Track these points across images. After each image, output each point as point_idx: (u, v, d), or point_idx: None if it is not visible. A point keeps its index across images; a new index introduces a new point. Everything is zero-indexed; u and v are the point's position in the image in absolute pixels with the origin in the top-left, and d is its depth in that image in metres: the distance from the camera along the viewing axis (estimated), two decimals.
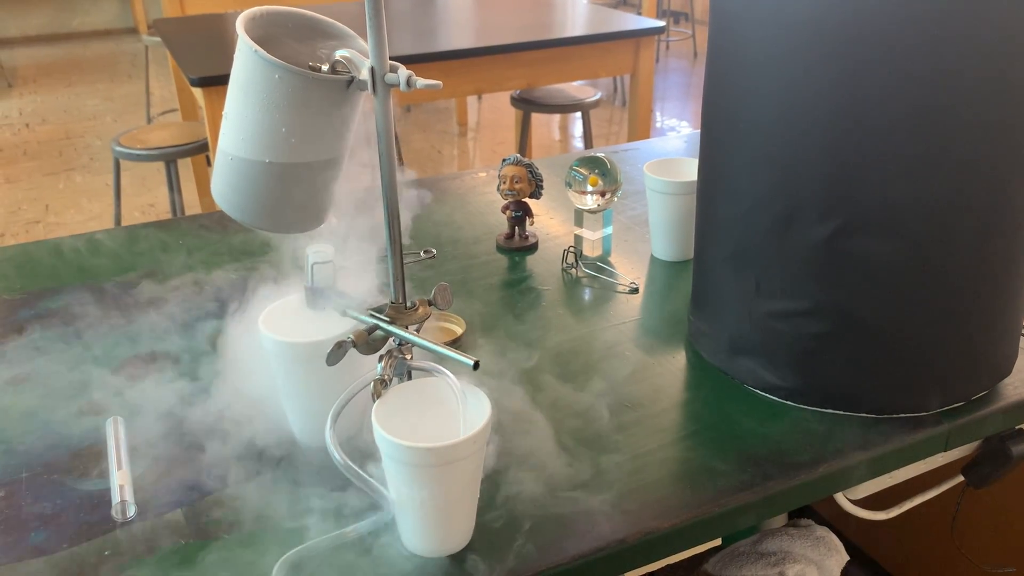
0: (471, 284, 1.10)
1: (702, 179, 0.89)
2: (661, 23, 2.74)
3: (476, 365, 0.64)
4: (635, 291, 1.07)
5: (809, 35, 0.73)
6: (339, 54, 0.64)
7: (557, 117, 4.98)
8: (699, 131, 1.03)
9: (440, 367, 0.69)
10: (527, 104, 3.05)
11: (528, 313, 1.03)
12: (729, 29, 0.80)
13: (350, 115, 0.67)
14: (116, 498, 0.73)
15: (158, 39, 4.09)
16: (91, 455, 0.80)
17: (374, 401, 0.67)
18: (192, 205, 3.53)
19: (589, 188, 1.16)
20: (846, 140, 0.74)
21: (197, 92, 2.40)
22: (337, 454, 0.67)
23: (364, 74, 0.63)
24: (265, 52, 0.62)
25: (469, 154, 4.42)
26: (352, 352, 0.70)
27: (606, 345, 0.96)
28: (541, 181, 1.17)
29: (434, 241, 1.21)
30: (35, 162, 4.31)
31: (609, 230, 1.22)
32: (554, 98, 3.06)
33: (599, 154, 1.20)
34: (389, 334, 0.70)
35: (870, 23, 0.70)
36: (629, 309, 1.04)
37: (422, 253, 0.78)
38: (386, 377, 0.68)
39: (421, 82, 0.62)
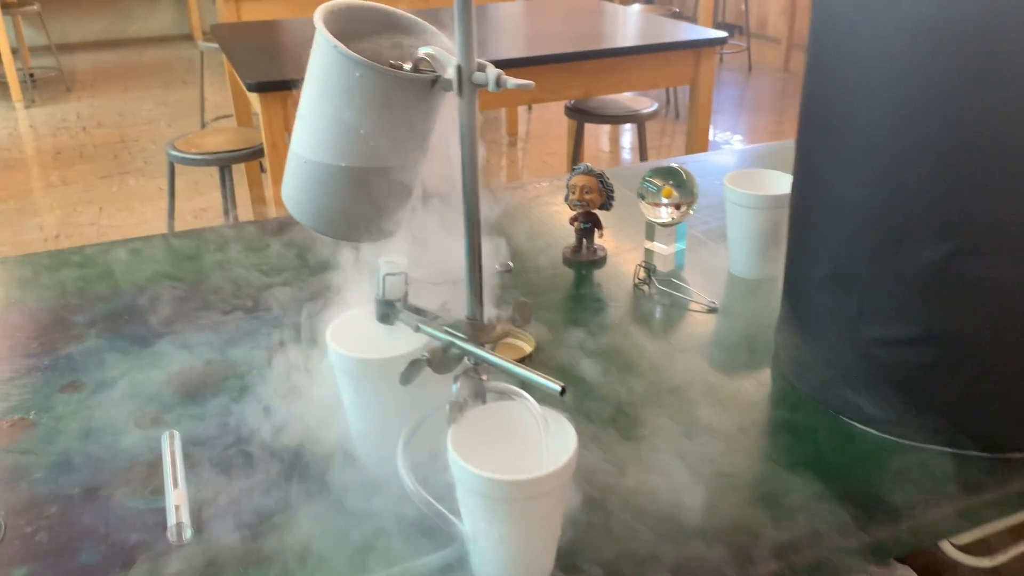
0: (537, 298, 1.04)
1: (798, 193, 0.82)
2: (723, 33, 2.67)
3: (563, 391, 0.58)
4: (714, 311, 1.01)
5: (928, 35, 0.66)
6: (423, 51, 0.60)
7: (607, 128, 4.92)
8: (753, 146, 0.97)
9: (520, 390, 0.63)
10: (582, 114, 3.00)
11: (599, 331, 0.97)
12: (834, 28, 0.74)
13: (431, 117, 0.63)
14: (172, 520, 0.69)
15: (213, 45, 4.12)
16: (146, 470, 0.76)
17: (449, 425, 0.62)
18: (244, 210, 3.53)
19: (663, 200, 1.10)
20: (966, 152, 0.67)
21: (253, 98, 2.38)
22: (409, 481, 0.62)
23: (449, 73, 0.59)
24: (345, 48, 0.57)
25: (518, 164, 4.38)
26: (423, 371, 0.65)
27: (684, 367, 0.90)
28: (612, 192, 1.11)
29: (496, 253, 1.16)
30: (90, 165, 4.37)
31: (682, 245, 1.16)
32: (609, 108, 3.01)
33: (673, 164, 1.15)
34: (465, 353, 0.65)
35: (1000, 21, 0.64)
36: (707, 330, 0.98)
37: (497, 266, 0.73)
38: (462, 400, 0.63)
39: (512, 82, 0.57)
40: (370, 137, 0.60)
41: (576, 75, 2.57)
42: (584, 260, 1.14)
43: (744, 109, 5.34)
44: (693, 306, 1.02)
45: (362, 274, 0.71)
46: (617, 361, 0.91)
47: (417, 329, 0.67)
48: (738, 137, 4.83)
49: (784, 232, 1.06)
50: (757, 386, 0.87)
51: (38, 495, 0.74)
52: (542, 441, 0.61)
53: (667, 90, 4.97)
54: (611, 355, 0.92)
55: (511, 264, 0.72)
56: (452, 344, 0.65)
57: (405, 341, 0.69)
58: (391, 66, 0.59)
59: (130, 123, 5.05)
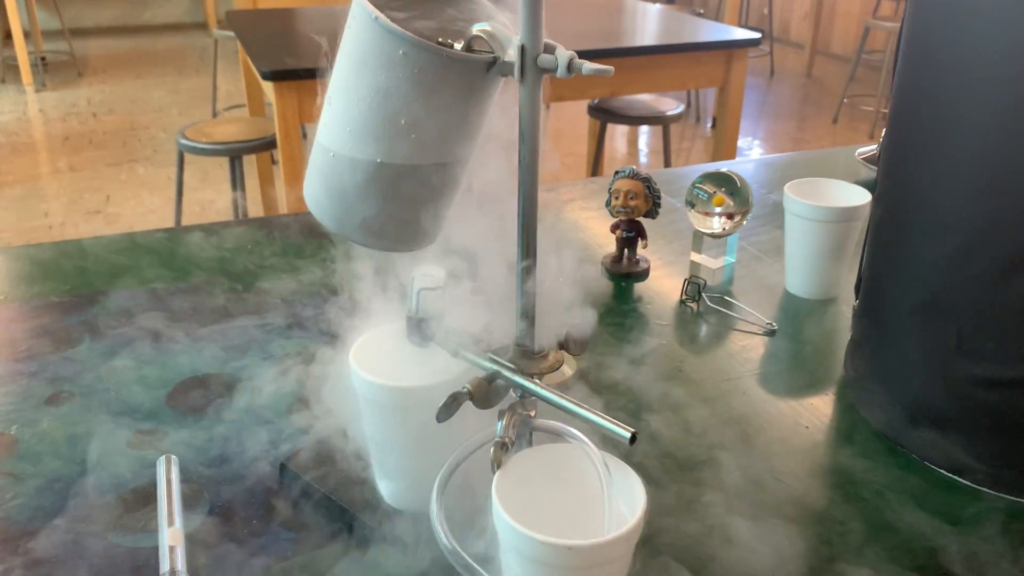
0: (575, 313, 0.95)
1: (886, 208, 0.73)
2: (756, 34, 2.57)
3: (633, 438, 0.49)
4: (771, 333, 0.92)
5: None
6: (479, 27, 0.50)
7: (625, 130, 4.82)
8: (775, 155, 0.87)
9: (575, 431, 0.54)
10: (605, 114, 2.90)
11: (645, 354, 0.87)
12: (939, 20, 0.64)
13: (484, 107, 0.53)
14: (165, 565, 0.59)
15: (228, 33, 4.03)
16: (139, 500, 0.67)
17: (493, 470, 0.53)
18: (255, 203, 3.44)
19: (715, 209, 1.01)
20: None
21: (267, 87, 2.29)
22: (444, 536, 0.53)
23: (511, 54, 0.49)
24: (388, 20, 0.48)
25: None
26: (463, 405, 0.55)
27: (739, 398, 0.80)
28: (659, 198, 1.02)
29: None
30: (100, 152, 4.29)
31: (731, 258, 1.07)
32: (634, 109, 2.91)
33: (724, 169, 1.05)
34: (512, 385, 0.55)
35: None
36: (763, 355, 0.88)
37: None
38: (507, 440, 0.54)
39: (588, 67, 0.47)
40: (412, 129, 0.50)
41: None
42: (624, 272, 1.04)
43: (765, 115, 5.24)
44: (746, 327, 0.93)
45: (393, 287, 0.62)
46: (663, 389, 0.82)
47: (456, 354, 0.58)
48: (757, 142, 4.73)
49: (850, 249, 0.96)
50: (822, 421, 0.78)
51: (14, 525, 0.65)
52: (605, 495, 0.51)
53: (688, 92, 4.87)
54: (656, 381, 0.83)
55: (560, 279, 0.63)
56: (497, 374, 0.55)
57: (441, 367, 0.59)
58: (440, 44, 0.50)
59: (141, 110, 4.97)
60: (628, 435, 0.49)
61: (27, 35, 5.56)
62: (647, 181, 1.01)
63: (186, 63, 6.10)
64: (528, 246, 0.54)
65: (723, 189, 1.02)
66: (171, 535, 0.62)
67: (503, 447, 0.53)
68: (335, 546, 0.62)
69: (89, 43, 6.56)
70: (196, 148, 2.52)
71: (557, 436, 0.55)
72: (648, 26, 2.75)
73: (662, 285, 1.02)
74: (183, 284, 0.99)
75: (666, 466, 0.71)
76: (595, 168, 3.17)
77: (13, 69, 5.47)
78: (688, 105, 5.25)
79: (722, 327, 0.93)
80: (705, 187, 1.02)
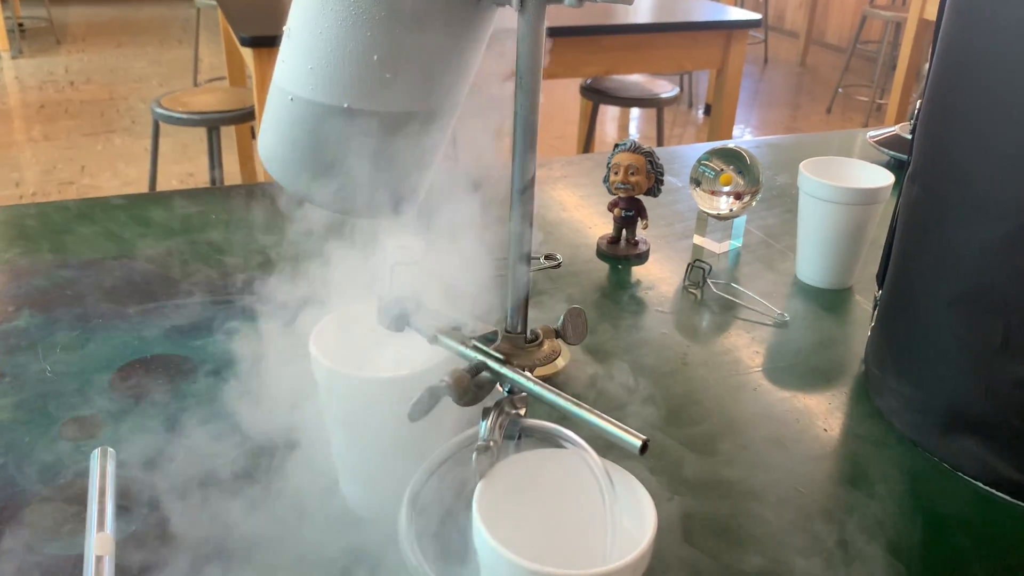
0: (568, 299, 0.87)
1: (924, 186, 0.65)
2: (757, 15, 2.48)
3: (644, 447, 0.41)
4: (782, 324, 0.84)
5: None
6: None
7: (616, 113, 4.73)
8: (780, 136, 0.79)
9: (572, 435, 0.46)
10: (598, 95, 2.81)
11: (645, 344, 0.79)
12: None
13: (473, 46, 0.45)
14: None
15: (211, 2, 3.91)
16: (68, 498, 0.59)
17: (475, 480, 0.44)
18: (233, 178, 3.33)
19: (723, 188, 0.93)
20: None
21: (247, 54, 2.19)
22: (412, 556, 0.45)
23: None
24: None
25: None
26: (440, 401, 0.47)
27: (747, 396, 0.73)
28: (662, 175, 0.94)
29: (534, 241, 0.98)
30: (76, 121, 4.16)
31: (738, 242, 0.99)
32: (628, 90, 2.82)
33: (730, 145, 0.97)
34: (500, 379, 0.47)
35: None
36: (774, 349, 0.80)
37: (543, 259, 0.55)
38: (492, 443, 0.46)
39: None
40: (386, 68, 0.42)
41: (596, 51, 2.38)
42: (622, 254, 0.96)
43: (758, 103, 5.16)
44: (754, 317, 0.85)
45: (362, 261, 0.53)
46: (662, 384, 0.74)
47: (434, 340, 0.49)
48: (749, 131, 4.66)
49: (869, 234, 0.88)
50: (843, 425, 0.70)
51: None
52: (607, 511, 0.43)
53: (681, 77, 4.78)
54: (654, 374, 0.75)
55: (559, 257, 0.54)
56: (483, 365, 0.47)
57: (415, 355, 0.51)
58: None
59: (120, 80, 4.83)
60: (638, 443, 0.41)
61: (4, 0, 5.39)
62: (649, 155, 0.92)
63: (168, 33, 5.95)
64: (522, 214, 0.46)
65: (731, 167, 0.93)
66: (99, 542, 0.53)
67: (487, 452, 0.45)
68: (293, 555, 0.54)
69: (69, 10, 6.39)
70: (171, 117, 2.42)
71: (550, 440, 0.47)
72: (643, 3, 2.66)
73: (662, 270, 0.94)
74: (142, 254, 0.90)
75: (670, 473, 0.63)
76: (586, 151, 3.08)
77: None
78: (680, 90, 5.16)
79: (728, 317, 0.85)
80: (712, 164, 0.94)
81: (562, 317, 0.50)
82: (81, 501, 0.58)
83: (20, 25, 5.64)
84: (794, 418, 0.70)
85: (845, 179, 0.88)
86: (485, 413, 0.47)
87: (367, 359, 0.51)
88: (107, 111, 4.32)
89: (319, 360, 0.51)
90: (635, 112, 4.69)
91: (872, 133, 1.29)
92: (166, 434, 0.64)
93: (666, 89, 2.84)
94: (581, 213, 1.07)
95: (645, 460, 0.63)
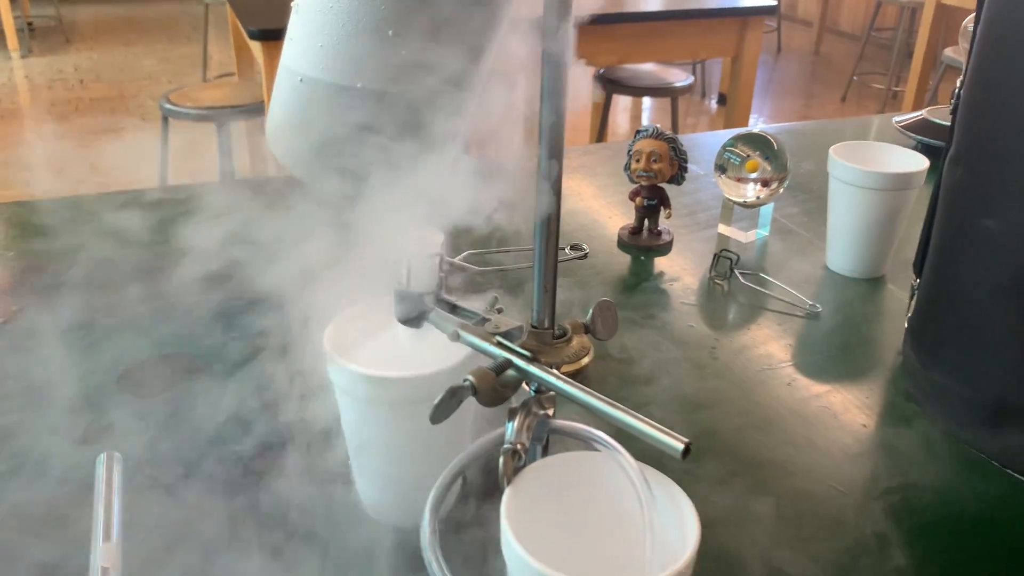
0: (587, 290, 0.83)
1: (968, 168, 0.61)
2: (774, 1, 2.44)
3: (687, 451, 0.38)
4: (814, 315, 0.80)
5: None
6: None
7: (628, 103, 4.68)
8: (802, 123, 0.75)
9: (605, 437, 0.43)
10: (612, 84, 2.77)
11: (669, 338, 0.76)
12: None
13: (495, 19, 0.42)
14: None
15: None
16: (72, 507, 0.56)
17: (503, 486, 0.41)
18: (243, 174, 3.31)
19: (750, 175, 0.89)
20: None
21: (255, 47, 2.16)
22: (436, 565, 0.42)
23: None
24: None
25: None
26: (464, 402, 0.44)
27: (783, 392, 0.69)
28: (686, 161, 0.90)
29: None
30: (85, 119, 4.15)
31: (764, 231, 0.95)
32: (641, 80, 2.78)
33: (755, 130, 0.94)
34: (527, 377, 0.44)
35: None
36: (807, 340, 0.77)
37: (568, 250, 0.52)
38: (520, 447, 0.43)
39: None
40: (402, 43, 0.39)
41: (610, 40, 2.34)
42: (644, 245, 0.93)
43: (771, 92, 5.11)
44: (784, 308, 0.81)
45: (378, 253, 0.50)
46: (690, 379, 0.70)
47: (456, 337, 0.46)
48: (762, 120, 4.60)
49: (903, 221, 0.85)
50: (881, 420, 0.67)
51: None
52: (645, 519, 0.40)
53: (693, 65, 4.73)
54: (686, 369, 0.72)
55: (585, 247, 0.51)
56: (508, 363, 0.44)
57: (436, 353, 0.48)
58: None
59: (129, 78, 4.82)
60: (680, 447, 0.38)
61: (13, 0, 5.39)
62: (672, 142, 0.89)
63: (177, 31, 5.93)
64: (550, 200, 0.42)
65: (757, 153, 0.90)
66: (105, 553, 0.50)
67: (515, 455, 0.42)
68: (307, 565, 0.51)
69: (78, 9, 6.39)
70: (181, 113, 2.40)
71: (581, 442, 0.44)
72: None
73: (686, 260, 0.91)
74: (151, 249, 0.87)
75: (698, 473, 0.60)
76: (599, 141, 3.04)
77: None
78: (693, 79, 5.11)
79: (757, 308, 0.82)
80: (737, 150, 0.91)
81: (591, 311, 0.47)
82: (86, 509, 0.55)
83: (29, 24, 5.64)
84: (831, 414, 0.67)
85: (877, 164, 0.85)
86: (511, 414, 0.44)
87: (384, 357, 0.49)
88: (117, 109, 4.31)
89: (334, 358, 0.48)
90: (647, 102, 4.64)
91: (898, 118, 1.25)
92: (175, 437, 0.61)
93: (680, 78, 2.80)
94: (599, 203, 1.04)
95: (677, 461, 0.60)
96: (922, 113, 1.21)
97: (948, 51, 3.26)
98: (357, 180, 0.43)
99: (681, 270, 0.89)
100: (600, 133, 3.03)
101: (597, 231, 0.96)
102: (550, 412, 0.45)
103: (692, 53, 2.45)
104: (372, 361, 0.48)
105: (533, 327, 0.45)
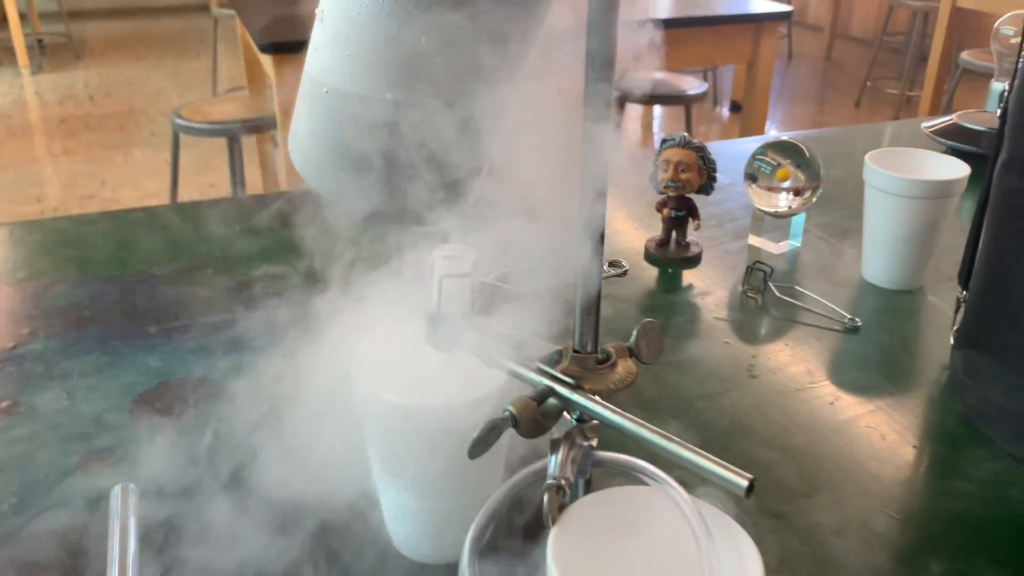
0: (616, 307, 0.80)
1: (1021, 174, 0.58)
2: (788, 7, 2.41)
3: (750, 488, 0.35)
4: (853, 330, 0.77)
5: None
6: None
7: (639, 112, 4.65)
8: (826, 129, 0.73)
9: (656, 470, 0.40)
10: (623, 93, 2.74)
11: (704, 355, 0.73)
12: None
13: (535, 22, 0.39)
14: None
15: (229, 12, 3.89)
16: (87, 543, 0.53)
17: (548, 524, 0.38)
18: (255, 189, 3.30)
19: (782, 183, 0.86)
20: None
21: (265, 61, 2.15)
22: None
23: None
24: None
25: None
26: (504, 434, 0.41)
27: (827, 411, 0.66)
28: (715, 171, 0.87)
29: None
30: (96, 135, 4.15)
31: (796, 242, 0.92)
32: (654, 88, 2.75)
33: (784, 137, 0.91)
34: (568, 406, 0.41)
35: None
36: (848, 356, 0.74)
37: (606, 267, 0.49)
38: (565, 482, 0.39)
39: None
40: (438, 51, 0.36)
41: (621, 48, 2.31)
42: (673, 257, 0.90)
43: (783, 98, 5.07)
44: (822, 322, 0.78)
45: (407, 273, 0.47)
46: (728, 399, 0.67)
47: (491, 363, 0.43)
48: (774, 127, 4.57)
49: (943, 230, 0.81)
50: (933, 439, 0.63)
51: None
52: (703, 560, 0.37)
53: (704, 71, 4.70)
54: (719, 388, 0.68)
55: (624, 263, 0.48)
56: (550, 391, 0.41)
57: (470, 380, 0.45)
58: None
59: (139, 94, 4.82)
60: (743, 484, 0.35)
61: (23, 17, 5.41)
62: (701, 151, 0.86)
63: (187, 46, 5.95)
64: (594, 213, 0.40)
65: (788, 161, 0.87)
66: None
67: (559, 492, 0.39)
68: None
69: (88, 25, 6.41)
70: (191, 128, 2.38)
71: (628, 475, 0.41)
72: None
73: (716, 273, 0.88)
74: (159, 270, 0.85)
75: (743, 504, 0.56)
76: None
77: (9, 52, 5.32)
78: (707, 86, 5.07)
79: (794, 323, 0.78)
80: (767, 158, 0.88)
81: (635, 333, 0.44)
82: (101, 542, 0.52)
83: (40, 42, 5.66)
84: (878, 435, 0.64)
85: (915, 171, 0.81)
86: (554, 446, 0.41)
87: (413, 384, 0.46)
88: (127, 124, 4.31)
89: (360, 386, 0.45)
90: (657, 110, 4.61)
91: (927, 123, 1.21)
92: (192, 467, 0.59)
93: (693, 86, 2.77)
94: (622, 214, 1.01)
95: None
96: (952, 118, 1.18)
97: (965, 55, 3.22)
98: (384, 197, 0.40)
99: (712, 283, 0.85)
100: None
101: (622, 244, 0.93)
102: (594, 443, 0.42)
103: (707, 60, 2.42)
104: (400, 389, 0.45)
105: (575, 352, 0.42)
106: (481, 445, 0.39)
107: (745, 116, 2.55)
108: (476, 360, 0.44)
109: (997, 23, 1.14)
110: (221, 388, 0.67)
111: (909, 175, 0.79)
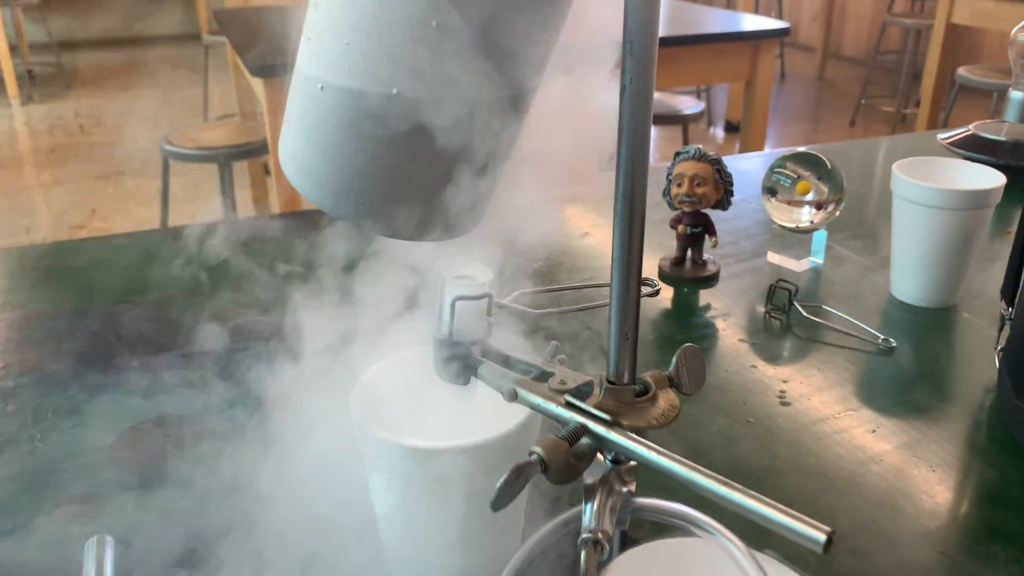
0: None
1: None
2: (785, 24, 2.39)
3: (829, 542, 0.29)
4: (889, 351, 0.72)
5: None
6: None
7: None
8: (837, 143, 0.68)
9: (705, 518, 0.34)
10: None
11: (731, 381, 0.68)
12: None
13: (557, 14, 0.34)
14: None
15: (220, 39, 3.86)
16: None
17: None
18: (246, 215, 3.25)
19: (805, 197, 0.81)
20: None
21: (256, 85, 2.10)
22: None
23: None
24: None
25: None
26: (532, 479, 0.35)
27: (868, 440, 0.61)
28: (731, 184, 0.82)
29: (570, 267, 0.87)
30: (86, 164, 4.10)
31: (819, 258, 0.87)
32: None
33: (803, 149, 0.86)
34: (604, 446, 0.36)
35: None
36: (886, 379, 0.68)
37: None
38: (602, 536, 0.34)
39: None
40: (449, 37, 0.31)
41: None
42: (689, 276, 0.85)
43: (777, 118, 5.05)
44: (853, 343, 0.73)
45: (415, 295, 0.42)
46: (762, 428, 0.62)
47: (513, 396, 0.38)
48: (769, 146, 4.54)
49: (978, 243, 0.76)
50: (985, 469, 0.58)
51: None
52: None
53: (698, 90, 4.67)
54: (751, 417, 0.63)
55: (656, 282, 0.43)
56: (583, 429, 0.35)
57: (489, 417, 0.39)
58: None
59: (130, 123, 4.78)
60: (821, 538, 0.29)
61: (14, 48, 5.38)
62: (717, 164, 0.81)
63: (178, 75, 5.92)
64: (631, 227, 0.35)
65: (808, 173, 0.82)
66: None
67: (598, 547, 0.33)
68: None
69: (79, 55, 6.39)
70: (181, 154, 2.33)
71: (673, 524, 0.36)
72: (665, 16, 2.56)
73: (736, 292, 0.83)
74: (142, 299, 0.79)
75: (784, 549, 0.51)
76: None
77: None
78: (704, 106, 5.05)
79: (823, 344, 0.73)
80: (787, 171, 0.83)
81: (674, 359, 0.39)
82: None
83: (30, 72, 5.63)
84: (927, 465, 0.58)
85: (946, 181, 0.77)
86: (588, 493, 0.36)
87: (423, 422, 0.40)
88: (118, 153, 4.27)
89: (363, 425, 0.40)
90: (653, 131, 4.59)
91: (943, 135, 1.17)
92: (176, 515, 0.53)
93: (690, 105, 2.74)
94: None
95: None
96: (969, 128, 1.13)
97: (962, 70, 3.20)
98: (396, 214, 0.35)
99: (732, 303, 0.80)
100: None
101: None
102: (632, 487, 0.37)
103: (704, 79, 2.39)
104: (409, 427, 0.39)
105: (610, 383, 0.36)
106: (506, 495, 0.33)
107: (744, 134, 2.51)
108: (494, 394, 0.39)
109: (1015, 30, 1.10)
110: (207, 428, 0.61)
111: (941, 185, 0.74)
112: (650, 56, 0.31)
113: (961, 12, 3.16)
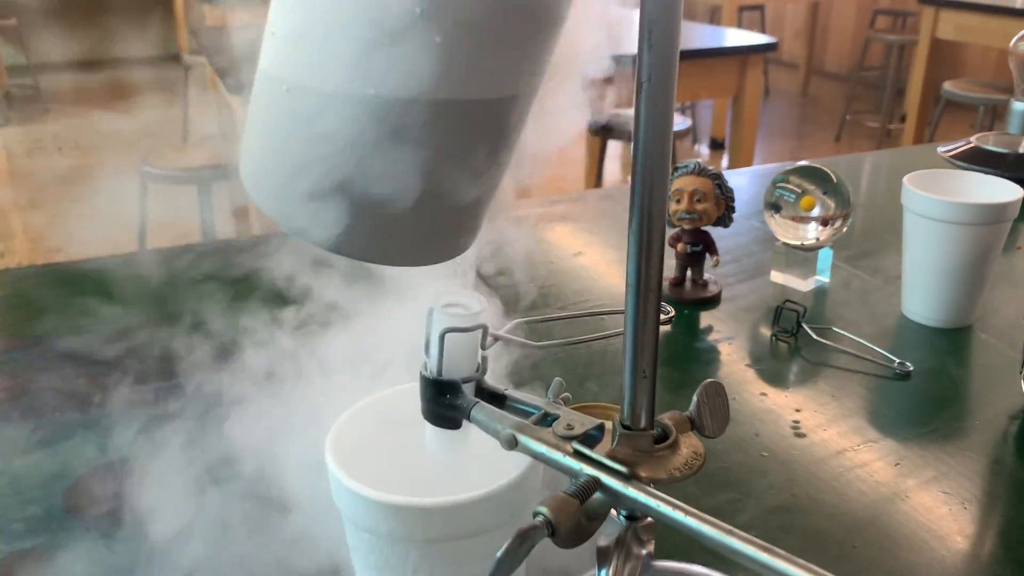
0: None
1: None
2: (773, 39, 2.37)
3: None
4: (905, 376, 0.67)
5: None
6: None
7: (618, 151, 4.60)
8: (834, 157, 0.64)
9: None
10: (607, 131, 2.68)
11: (741, 412, 0.63)
12: None
13: (547, 19, 0.29)
14: None
15: (200, 59, 3.82)
16: None
17: None
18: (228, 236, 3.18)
19: (810, 213, 0.77)
20: None
21: (237, 104, 2.06)
22: None
23: None
24: None
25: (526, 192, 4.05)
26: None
27: (893, 474, 0.56)
28: (733, 200, 0.78)
29: (560, 290, 0.82)
30: (64, 188, 4.03)
31: (825, 278, 0.83)
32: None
33: (806, 162, 0.82)
34: (618, 502, 0.31)
35: None
36: (907, 409, 0.64)
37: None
38: None
39: None
40: (435, 27, 0.26)
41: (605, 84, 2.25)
42: (689, 298, 0.80)
43: (762, 135, 5.04)
44: (866, 367, 0.69)
45: (398, 328, 0.37)
46: (779, 463, 0.57)
47: (512, 444, 0.33)
48: (756, 163, 4.53)
49: (995, 259, 0.72)
50: (1020, 507, 0.53)
51: None
52: None
53: (683, 106, 4.66)
54: (766, 452, 0.58)
55: (668, 308, 0.39)
56: (595, 483, 0.31)
57: (485, 468, 0.35)
58: None
59: (109, 145, 4.72)
60: None
61: None
62: (717, 178, 0.77)
63: (158, 96, 5.86)
64: (648, 253, 0.30)
65: (813, 187, 0.78)
66: None
67: None
68: None
69: (58, 78, 6.32)
70: (160, 176, 2.28)
71: None
72: None
73: (739, 314, 0.78)
74: (102, 329, 0.74)
75: None
76: (598, 187, 2.94)
77: None
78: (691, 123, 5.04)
79: (835, 369, 0.69)
80: (790, 185, 0.79)
81: (695, 399, 0.34)
82: None
83: (7, 94, 5.57)
84: (958, 502, 0.54)
85: (960, 194, 0.73)
86: (602, 556, 0.31)
87: (408, 473, 0.35)
88: (96, 175, 4.20)
89: (339, 478, 0.34)
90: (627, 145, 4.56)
91: (943, 147, 1.14)
92: (135, 574, 0.47)
93: (676, 122, 2.71)
94: (623, 253, 0.91)
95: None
96: (971, 140, 1.10)
97: (947, 85, 3.20)
98: (375, 236, 0.31)
99: (735, 326, 0.76)
100: (597, 182, 2.93)
101: (624, 284, 0.84)
102: (651, 548, 0.32)
103: (692, 94, 2.37)
104: (392, 480, 0.34)
105: (625, 427, 0.32)
106: (507, 565, 0.28)
107: (732, 150, 2.49)
108: (488, 439, 0.34)
109: (1014, 40, 1.07)
110: (175, 473, 0.56)
111: (955, 198, 0.70)
112: (672, 49, 0.27)
113: (945, 27, 3.16)
